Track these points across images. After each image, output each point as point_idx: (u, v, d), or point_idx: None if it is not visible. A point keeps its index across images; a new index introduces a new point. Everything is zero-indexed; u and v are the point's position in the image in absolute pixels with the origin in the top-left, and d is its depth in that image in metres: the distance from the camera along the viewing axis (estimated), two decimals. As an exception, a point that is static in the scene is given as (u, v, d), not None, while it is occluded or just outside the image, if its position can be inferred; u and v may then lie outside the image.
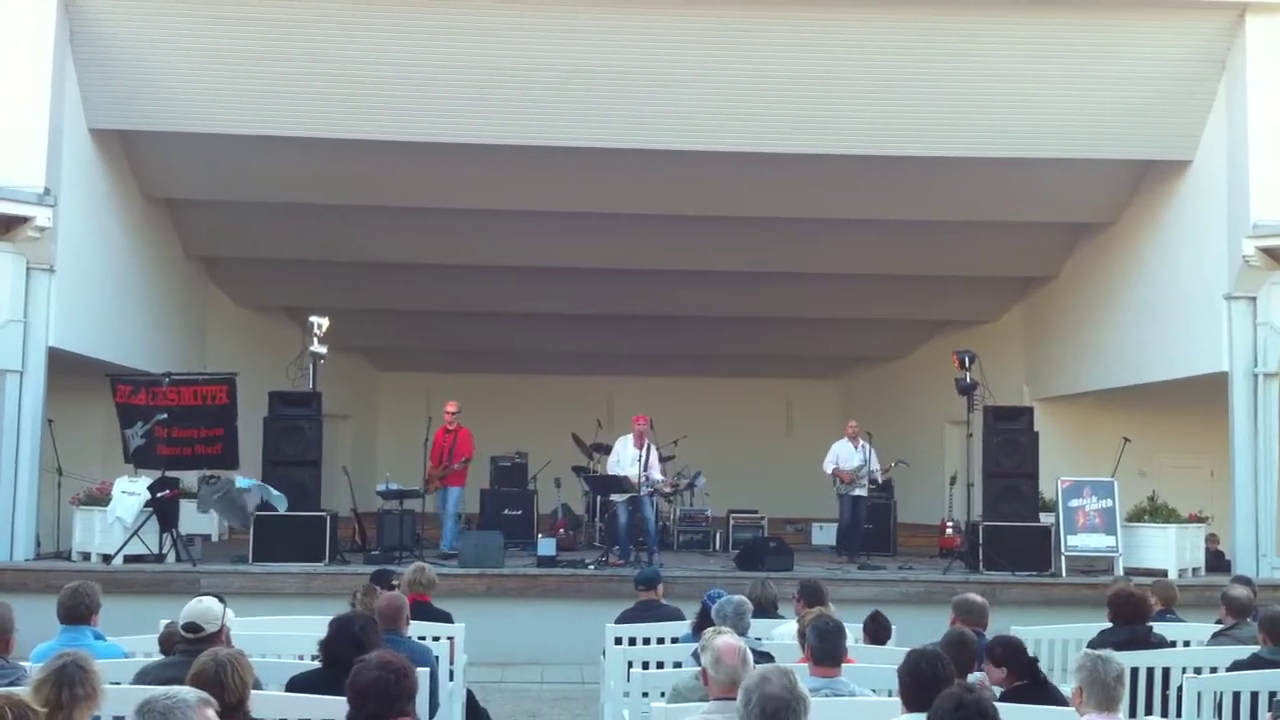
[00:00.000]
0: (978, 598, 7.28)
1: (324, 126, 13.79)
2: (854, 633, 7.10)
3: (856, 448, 15.11)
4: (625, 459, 14.22)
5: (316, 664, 5.94)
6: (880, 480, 15.48)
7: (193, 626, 5.61)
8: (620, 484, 14.22)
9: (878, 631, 7.54)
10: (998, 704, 4.90)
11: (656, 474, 14.48)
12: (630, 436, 14.37)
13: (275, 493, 12.76)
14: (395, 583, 8.59)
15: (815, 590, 7.90)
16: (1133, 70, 13.49)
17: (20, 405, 12.69)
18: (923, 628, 8.42)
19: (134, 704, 3.73)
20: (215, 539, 15.05)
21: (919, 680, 4.72)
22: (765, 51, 13.29)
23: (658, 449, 14.86)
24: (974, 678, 5.68)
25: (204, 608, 5.69)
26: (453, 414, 14.80)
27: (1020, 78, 13.49)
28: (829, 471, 15.21)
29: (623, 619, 8.77)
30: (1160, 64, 13.55)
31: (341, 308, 16.22)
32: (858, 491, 14.95)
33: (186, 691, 3.82)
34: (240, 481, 13.24)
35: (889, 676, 5.38)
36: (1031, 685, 5.76)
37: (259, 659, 5.76)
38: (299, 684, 5.65)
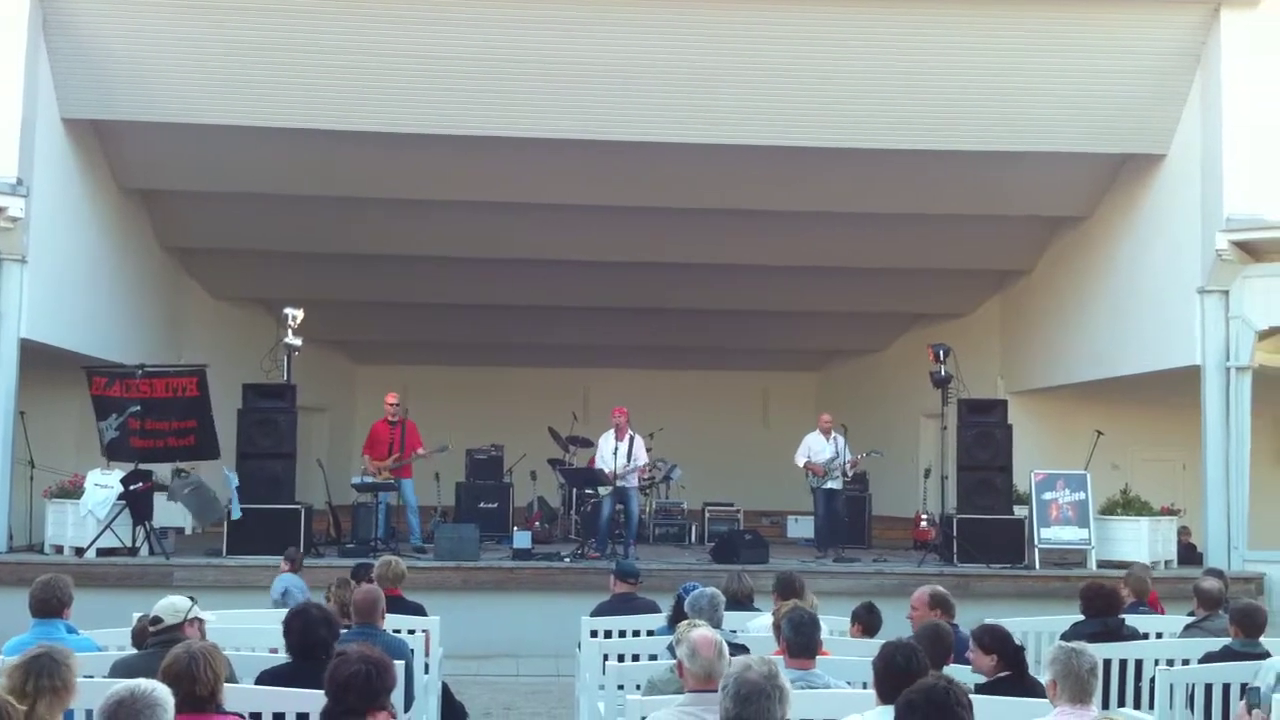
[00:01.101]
0: (943, 589, 7.28)
1: (299, 118, 13.70)
2: (829, 625, 7.11)
3: (828, 440, 15.11)
4: (608, 452, 14.20)
5: (286, 657, 5.91)
6: (850, 474, 15.46)
7: (154, 620, 5.74)
8: (596, 476, 14.21)
9: (871, 622, 7.55)
10: (980, 695, 4.93)
11: (643, 458, 14.46)
12: (612, 431, 14.36)
13: (236, 504, 12.76)
14: (374, 577, 8.59)
15: (790, 583, 7.91)
16: (1108, 65, 13.53)
17: (-9, 397, 12.59)
18: (898, 621, 8.44)
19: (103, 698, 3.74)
20: (189, 532, 15.00)
21: (893, 672, 4.73)
22: (747, 46, 13.28)
23: (640, 438, 14.84)
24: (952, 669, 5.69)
25: (168, 601, 5.83)
26: (394, 405, 14.70)
27: (995, 72, 13.52)
28: (800, 464, 15.22)
29: (598, 612, 8.78)
30: (1135, 58, 13.59)
31: (318, 300, 16.14)
32: (830, 484, 14.92)
33: (156, 691, 3.83)
34: (227, 473, 13.21)
35: (864, 669, 5.39)
36: (1015, 677, 5.78)
37: (232, 652, 5.76)
38: (268, 679, 5.62)
